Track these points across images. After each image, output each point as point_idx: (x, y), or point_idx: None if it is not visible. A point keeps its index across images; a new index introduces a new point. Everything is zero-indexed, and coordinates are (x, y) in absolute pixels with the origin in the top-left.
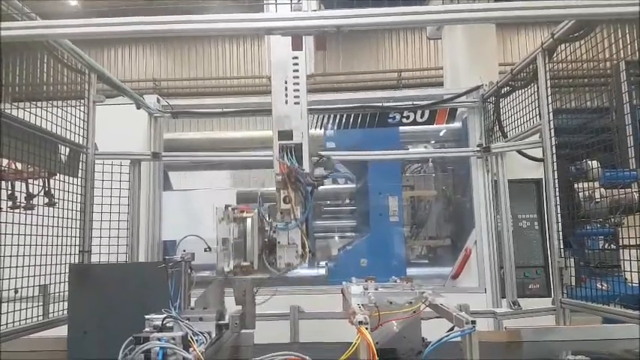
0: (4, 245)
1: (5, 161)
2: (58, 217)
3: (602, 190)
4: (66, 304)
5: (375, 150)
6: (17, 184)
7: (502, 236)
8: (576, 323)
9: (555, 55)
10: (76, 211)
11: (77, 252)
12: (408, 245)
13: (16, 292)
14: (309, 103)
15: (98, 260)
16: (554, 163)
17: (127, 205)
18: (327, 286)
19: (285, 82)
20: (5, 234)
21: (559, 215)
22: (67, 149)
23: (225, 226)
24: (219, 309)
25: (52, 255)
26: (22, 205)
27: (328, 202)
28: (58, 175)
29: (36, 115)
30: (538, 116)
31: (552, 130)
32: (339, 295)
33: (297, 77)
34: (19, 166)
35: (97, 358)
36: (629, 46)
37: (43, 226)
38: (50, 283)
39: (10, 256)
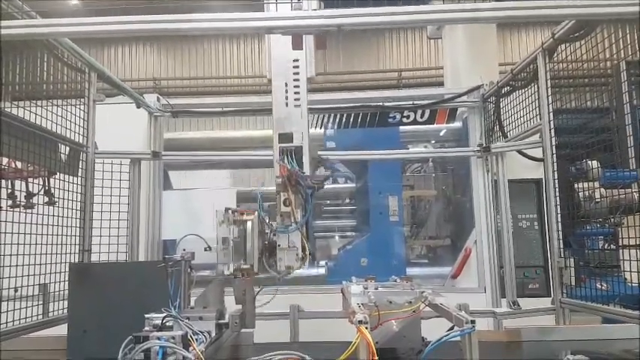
0: (4, 244)
1: (5, 160)
2: (58, 216)
3: (602, 190)
4: (66, 302)
5: (375, 149)
6: (17, 182)
7: (502, 236)
8: (576, 323)
9: (556, 55)
10: (76, 210)
11: (77, 251)
12: (407, 245)
13: (16, 290)
14: (309, 102)
15: (98, 259)
16: (554, 163)
17: (126, 204)
18: (327, 286)
19: (286, 85)
20: (5, 233)
21: (559, 215)
22: (67, 148)
23: (225, 228)
24: (219, 308)
25: (51, 254)
26: (22, 203)
27: (328, 201)
28: (58, 174)
29: (36, 114)
30: (538, 116)
31: (552, 130)
32: (338, 295)
33: (298, 80)
34: (19, 164)
35: (97, 356)
36: (629, 46)
37: (43, 225)
38: (50, 282)
39: (10, 254)
